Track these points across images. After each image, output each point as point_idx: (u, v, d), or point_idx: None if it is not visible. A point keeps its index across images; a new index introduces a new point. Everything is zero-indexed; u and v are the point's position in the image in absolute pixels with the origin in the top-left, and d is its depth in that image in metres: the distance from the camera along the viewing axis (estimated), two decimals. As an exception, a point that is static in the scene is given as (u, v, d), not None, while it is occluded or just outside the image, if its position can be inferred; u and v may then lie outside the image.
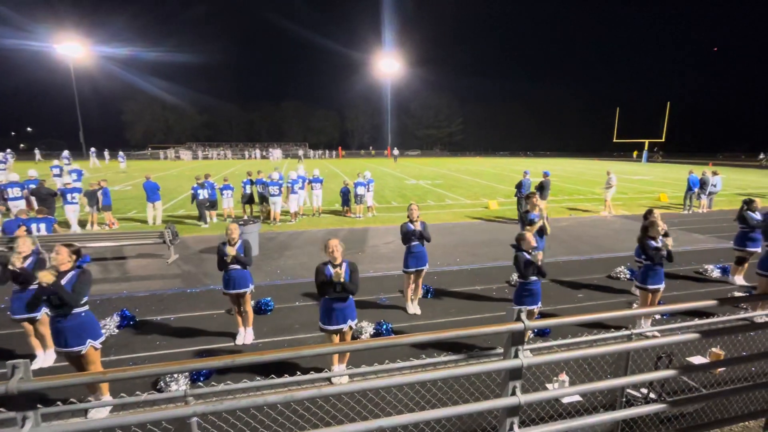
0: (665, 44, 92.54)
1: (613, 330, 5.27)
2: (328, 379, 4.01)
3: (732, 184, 23.59)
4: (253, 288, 5.25)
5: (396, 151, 49.07)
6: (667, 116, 48.06)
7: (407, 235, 5.97)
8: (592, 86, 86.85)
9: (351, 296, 4.30)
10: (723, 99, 76.96)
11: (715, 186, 15.27)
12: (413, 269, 6.01)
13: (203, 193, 12.09)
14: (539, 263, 4.65)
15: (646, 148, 51.78)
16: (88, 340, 3.79)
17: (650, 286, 5.19)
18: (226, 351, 5.04)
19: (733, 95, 75.57)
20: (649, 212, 6.48)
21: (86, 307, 3.84)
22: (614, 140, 53.82)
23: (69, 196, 10.96)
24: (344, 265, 4.17)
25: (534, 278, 4.71)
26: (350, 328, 4.35)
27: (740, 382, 4.28)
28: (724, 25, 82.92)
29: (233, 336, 5.37)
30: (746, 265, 7.27)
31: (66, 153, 30.34)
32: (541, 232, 6.33)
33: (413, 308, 6.18)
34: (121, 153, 32.59)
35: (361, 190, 13.14)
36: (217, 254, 5.09)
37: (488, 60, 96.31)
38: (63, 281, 3.68)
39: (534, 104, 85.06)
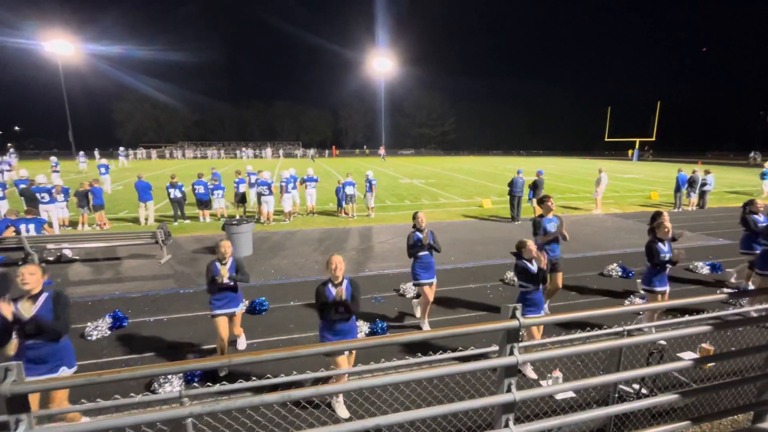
0: (655, 44, 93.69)
1: (605, 327, 5.34)
2: (326, 379, 4.00)
3: (720, 182, 23.96)
4: (243, 308, 4.99)
5: (382, 150, 49.47)
6: (658, 115, 48.68)
7: (415, 246, 5.51)
8: (584, 85, 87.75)
9: (354, 317, 3.98)
10: (712, 98, 78.12)
11: (709, 185, 15.51)
12: (426, 281, 5.52)
13: (174, 192, 12.29)
14: (548, 267, 4.43)
15: (636, 146, 52.40)
16: (62, 368, 3.38)
17: (657, 289, 5.02)
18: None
19: (722, 95, 76.79)
20: (658, 214, 6.10)
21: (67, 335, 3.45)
22: (606, 139, 54.40)
23: (38, 195, 10.66)
24: (345, 282, 3.88)
25: (533, 287, 4.47)
26: (353, 352, 4.06)
27: (729, 377, 4.36)
28: (713, 25, 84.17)
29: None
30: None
31: (82, 153, 29.37)
32: (556, 240, 5.87)
33: (426, 326, 5.73)
34: (81, 153, 30.03)
35: (350, 190, 13.14)
36: (206, 274, 4.57)
37: (481, 59, 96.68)
38: (36, 308, 3.22)
39: (526, 103, 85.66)
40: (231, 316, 4.69)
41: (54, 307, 3.28)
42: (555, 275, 5.78)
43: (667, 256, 4.94)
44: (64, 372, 3.39)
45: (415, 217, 5.60)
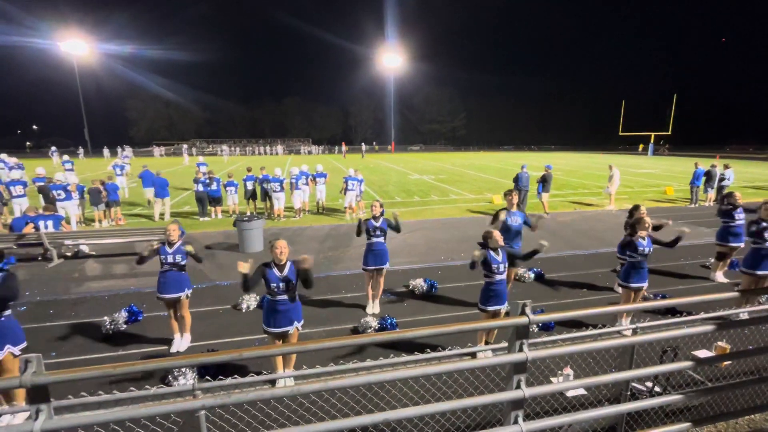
0: (671, 35, 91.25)
1: (617, 324, 5.27)
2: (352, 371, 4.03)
3: (740, 177, 23.32)
4: (189, 293, 4.98)
5: (363, 147, 49.42)
6: (674, 108, 47.54)
7: (366, 231, 5.80)
8: (597, 79, 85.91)
9: (297, 298, 4.19)
10: (731, 90, 75.83)
11: (728, 179, 15.08)
12: (372, 267, 5.84)
13: (199, 187, 12.49)
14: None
15: (652, 141, 51.28)
16: (7, 346, 3.58)
17: (633, 285, 5.10)
18: (231, 345, 5.09)
19: (741, 87, 74.42)
20: (635, 208, 6.40)
21: (8, 312, 3.64)
22: (620, 133, 53.35)
23: (55, 193, 10.79)
24: (288, 265, 4.10)
25: (500, 278, 4.51)
26: (297, 330, 4.22)
27: (746, 376, 4.27)
28: (732, 15, 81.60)
29: (239, 331, 5.42)
30: (728, 260, 7.24)
31: (126, 154, 28.93)
32: (518, 234, 6.01)
33: (373, 307, 6.01)
34: (125, 153, 29.74)
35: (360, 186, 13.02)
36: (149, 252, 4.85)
37: (491, 54, 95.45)
38: None
39: (538, 98, 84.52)
40: (176, 301, 4.89)
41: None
42: (510, 269, 5.89)
43: (646, 250, 5.04)
44: (10, 349, 3.62)
45: (372, 207, 5.93)
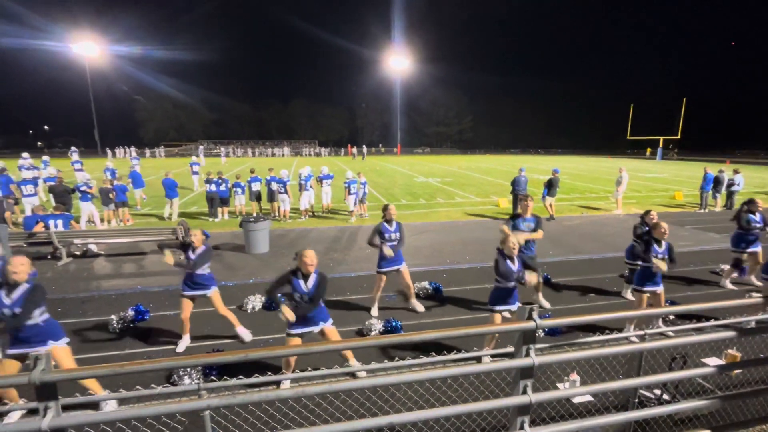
0: (681, 38, 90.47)
1: (625, 330, 5.21)
2: (351, 374, 4.03)
3: (750, 182, 23.00)
4: (216, 289, 5.12)
5: (364, 149, 49.79)
6: (683, 112, 47.07)
7: (381, 238, 5.67)
8: (605, 82, 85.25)
9: (322, 303, 4.19)
10: (741, 95, 74.89)
11: (738, 185, 14.90)
12: (388, 269, 5.80)
13: (211, 187, 12.54)
14: (521, 274, 4.41)
15: (660, 145, 50.78)
16: (49, 341, 3.61)
17: (647, 289, 5.01)
18: (237, 346, 5.10)
19: (751, 91, 73.45)
20: (646, 214, 6.23)
21: (45, 317, 3.62)
22: (628, 137, 52.94)
23: (79, 192, 11.02)
24: (314, 277, 4.05)
25: (513, 284, 4.50)
26: (331, 328, 4.23)
27: (757, 385, 4.19)
28: (742, 18, 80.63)
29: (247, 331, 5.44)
30: (741, 267, 7.00)
31: (135, 155, 29.25)
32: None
33: (417, 305, 6.04)
34: (134, 155, 29.64)
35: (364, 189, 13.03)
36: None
37: (499, 57, 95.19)
38: (15, 295, 3.42)
39: (546, 101, 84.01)
40: (201, 298, 5.04)
41: (26, 298, 3.42)
42: (532, 274, 5.81)
43: (660, 256, 4.89)
44: (51, 345, 3.60)
45: (385, 209, 5.78)
